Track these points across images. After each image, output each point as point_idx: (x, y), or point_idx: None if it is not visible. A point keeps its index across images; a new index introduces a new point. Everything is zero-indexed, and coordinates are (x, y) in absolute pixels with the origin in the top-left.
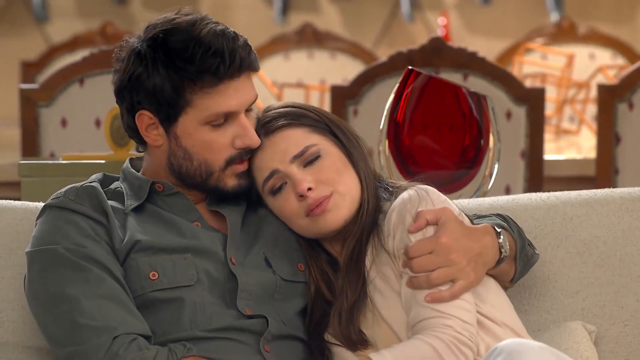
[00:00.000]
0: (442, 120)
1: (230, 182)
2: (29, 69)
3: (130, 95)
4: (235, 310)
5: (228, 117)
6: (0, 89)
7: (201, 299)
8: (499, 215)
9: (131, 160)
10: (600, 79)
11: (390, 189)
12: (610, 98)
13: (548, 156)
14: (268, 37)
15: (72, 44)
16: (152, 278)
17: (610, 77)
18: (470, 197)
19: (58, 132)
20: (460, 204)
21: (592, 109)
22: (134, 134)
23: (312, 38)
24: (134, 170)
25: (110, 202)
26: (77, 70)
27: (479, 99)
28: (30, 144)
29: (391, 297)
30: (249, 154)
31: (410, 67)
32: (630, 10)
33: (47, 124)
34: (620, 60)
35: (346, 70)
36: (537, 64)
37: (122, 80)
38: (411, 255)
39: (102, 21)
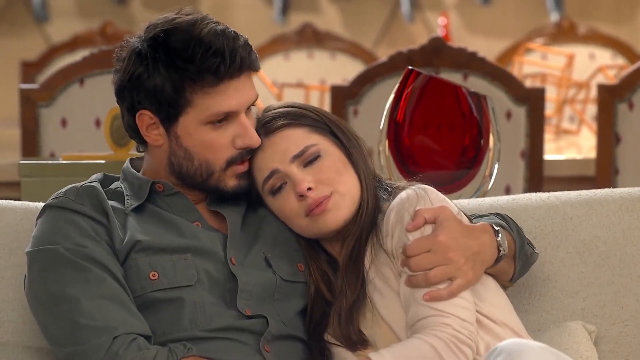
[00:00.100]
0: (442, 120)
1: (231, 182)
2: (29, 69)
3: (130, 95)
4: (235, 310)
5: (228, 116)
6: (0, 89)
7: (201, 299)
8: (498, 215)
9: (131, 160)
10: (600, 79)
11: (389, 189)
12: (610, 98)
13: (548, 156)
14: (268, 37)
15: (72, 44)
16: (152, 278)
17: (610, 77)
18: (471, 197)
19: (58, 132)
20: (460, 204)
21: (592, 109)
22: (135, 133)
23: (312, 38)
24: (134, 170)
25: (110, 202)
26: (77, 70)
27: (479, 99)
28: (31, 144)
29: (390, 296)
30: (249, 154)
31: (410, 67)
32: (630, 10)
33: (47, 124)
34: (620, 60)
35: (346, 70)
36: (537, 64)
37: (122, 80)
38: (409, 253)
39: (102, 21)
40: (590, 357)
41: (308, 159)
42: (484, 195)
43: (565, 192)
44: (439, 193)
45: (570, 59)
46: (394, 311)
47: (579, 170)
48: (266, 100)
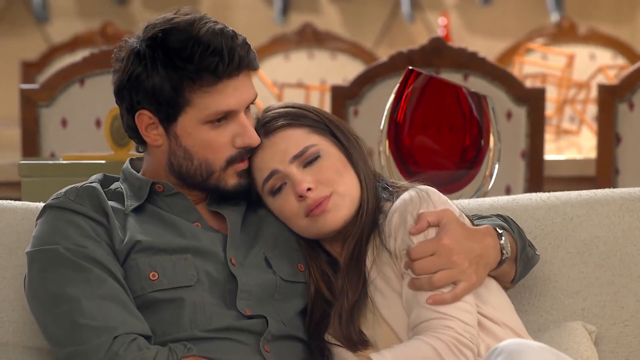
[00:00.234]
0: (442, 120)
1: (231, 180)
2: (29, 69)
3: (129, 95)
4: (235, 310)
5: (227, 116)
6: (0, 89)
7: (201, 300)
8: (499, 216)
9: (131, 160)
10: (601, 79)
11: (391, 189)
12: (610, 98)
13: (548, 156)
14: (268, 37)
15: (73, 44)
16: (152, 278)
17: (611, 77)
18: (471, 198)
19: (58, 132)
20: (461, 204)
21: (592, 109)
22: (134, 134)
23: (312, 38)
24: (134, 171)
25: (110, 203)
26: (77, 70)
27: (480, 99)
28: (31, 144)
29: (392, 297)
30: (249, 153)
31: (410, 67)
32: (630, 11)
33: (47, 124)
34: (621, 61)
35: (346, 70)
36: (537, 64)
37: (121, 80)
38: (413, 257)
39: (103, 21)
40: (590, 357)
41: (308, 160)
42: (484, 195)
43: (566, 192)
44: (441, 195)
45: (571, 59)
46: (395, 312)
47: (579, 171)
48: (266, 100)
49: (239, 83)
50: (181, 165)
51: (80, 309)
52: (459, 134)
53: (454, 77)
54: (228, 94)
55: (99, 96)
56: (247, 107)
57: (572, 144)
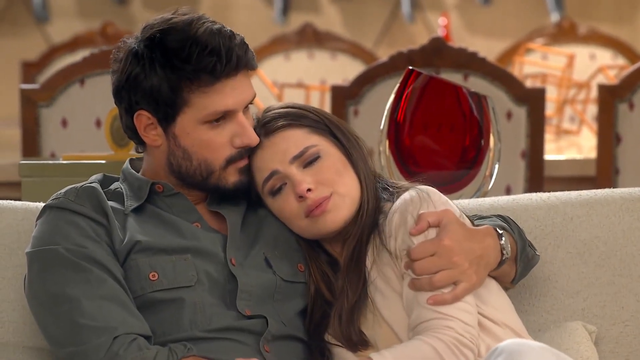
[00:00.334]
0: (442, 120)
1: (232, 178)
2: (30, 69)
3: (128, 95)
4: (235, 310)
5: (226, 115)
6: (0, 89)
7: (201, 300)
8: (499, 216)
9: (131, 160)
10: (601, 79)
11: (391, 190)
12: (610, 98)
13: (548, 156)
14: (268, 37)
15: (73, 44)
16: (152, 279)
17: (611, 77)
18: (471, 198)
19: (58, 132)
20: (461, 204)
21: (592, 109)
22: (133, 134)
23: (312, 38)
24: (133, 171)
25: (110, 203)
26: (77, 70)
27: (480, 99)
28: (31, 144)
29: (392, 297)
30: (248, 153)
31: (410, 67)
32: (630, 11)
33: (47, 124)
34: (621, 61)
35: (346, 70)
36: (537, 64)
37: (120, 80)
38: (413, 257)
39: (103, 21)
40: (590, 357)
41: (308, 160)
42: (485, 195)
43: (566, 193)
44: (441, 195)
45: (571, 59)
46: (396, 312)
47: (580, 171)
48: (266, 100)
49: (237, 83)
50: (180, 166)
51: (80, 309)
52: (459, 134)
53: (454, 77)
54: (226, 94)
55: (99, 96)
56: (246, 107)
57: (572, 144)
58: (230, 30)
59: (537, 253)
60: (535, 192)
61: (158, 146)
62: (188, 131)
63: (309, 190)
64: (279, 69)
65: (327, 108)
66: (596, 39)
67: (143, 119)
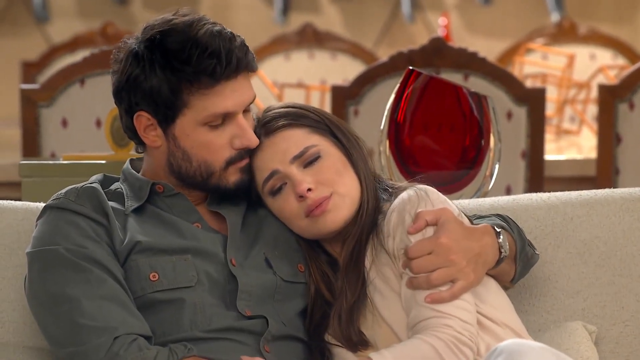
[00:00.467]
0: (442, 120)
1: (232, 177)
2: (30, 69)
3: (128, 96)
4: (235, 311)
5: (226, 117)
6: (0, 89)
7: (201, 300)
8: (498, 216)
9: (131, 160)
10: (601, 79)
11: (390, 190)
12: (610, 98)
13: (549, 156)
14: (268, 38)
15: (73, 44)
16: (152, 279)
17: (611, 78)
18: (471, 198)
19: (59, 133)
20: (461, 205)
21: (592, 109)
22: (133, 135)
23: (312, 38)
24: (134, 171)
25: (110, 203)
26: (77, 70)
27: (480, 99)
28: (31, 144)
29: (391, 297)
30: (248, 154)
31: (410, 68)
32: (630, 11)
33: (47, 124)
34: (621, 61)
35: (347, 70)
36: (537, 64)
37: (120, 81)
38: (411, 255)
39: (103, 21)
40: (590, 357)
41: (308, 160)
42: (485, 195)
43: (566, 193)
44: (440, 194)
45: (571, 59)
46: (395, 312)
47: (580, 171)
48: (267, 100)
49: (237, 85)
50: (180, 167)
51: (81, 309)
52: (459, 134)
53: (454, 77)
54: (226, 96)
55: (99, 96)
56: (246, 109)
57: (572, 144)
58: (231, 32)
59: (537, 252)
60: (536, 192)
61: (158, 147)
62: (188, 132)
63: (309, 190)
64: (279, 69)
65: (327, 108)
66: (596, 39)
67: (143, 119)
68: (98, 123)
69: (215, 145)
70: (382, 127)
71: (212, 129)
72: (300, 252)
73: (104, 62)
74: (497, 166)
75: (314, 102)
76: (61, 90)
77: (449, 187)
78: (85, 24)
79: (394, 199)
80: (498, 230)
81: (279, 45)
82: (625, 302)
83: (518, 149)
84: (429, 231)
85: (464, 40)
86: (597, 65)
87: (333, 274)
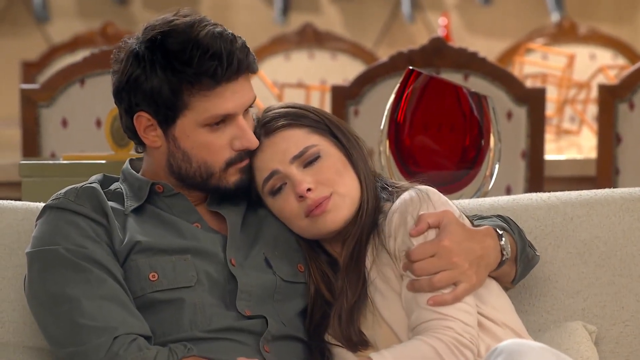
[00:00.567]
0: (442, 120)
1: (232, 178)
2: (30, 69)
3: (128, 96)
4: (235, 311)
5: (226, 119)
6: (0, 89)
7: (201, 300)
8: (499, 217)
9: (131, 160)
10: (601, 79)
11: (391, 190)
12: (610, 98)
13: (549, 156)
14: (268, 38)
15: (73, 44)
16: (152, 279)
17: (611, 78)
18: (471, 198)
19: (59, 132)
20: (461, 205)
21: (592, 109)
22: (133, 135)
23: (312, 38)
24: (134, 171)
25: (110, 203)
26: (77, 70)
27: (480, 99)
28: (31, 144)
29: (392, 297)
30: (248, 155)
31: (410, 67)
32: (630, 11)
33: (47, 124)
34: (621, 61)
35: (347, 70)
36: (537, 64)
37: (120, 81)
38: (413, 258)
39: (103, 21)
40: (590, 357)
41: (308, 160)
42: (485, 195)
43: (566, 193)
44: (441, 195)
45: (571, 59)
46: (395, 312)
47: (580, 171)
48: (267, 100)
49: (238, 87)
50: (180, 167)
51: (80, 309)
52: (460, 134)
53: (454, 77)
54: (227, 98)
55: (99, 96)
56: (246, 110)
57: (572, 144)
58: (232, 34)
59: (537, 253)
60: (536, 192)
61: (158, 147)
62: (188, 133)
63: (309, 190)
64: (279, 69)
65: (327, 108)
66: (596, 39)
67: (143, 120)
68: (98, 123)
69: (215, 146)
70: (382, 127)
71: (212, 130)
72: (300, 252)
73: (104, 62)
74: (497, 166)
75: (314, 102)
76: (61, 90)
77: (449, 187)
78: (85, 24)
79: (395, 199)
80: (500, 232)
81: (279, 45)
82: (625, 302)
83: (518, 149)
84: (431, 234)
85: (464, 40)
86: (597, 65)
87: (333, 274)
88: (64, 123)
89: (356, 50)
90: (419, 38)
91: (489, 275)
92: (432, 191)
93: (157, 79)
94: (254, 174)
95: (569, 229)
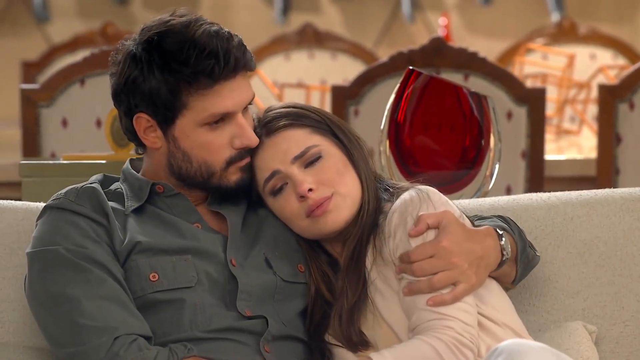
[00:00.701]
0: (442, 120)
1: (233, 177)
2: (30, 69)
3: (127, 98)
4: (235, 311)
5: (225, 117)
6: (0, 89)
7: (201, 300)
8: (499, 217)
9: (131, 160)
10: (601, 79)
11: (391, 190)
12: (611, 98)
13: (549, 156)
14: (268, 38)
15: (73, 44)
16: (152, 279)
17: (611, 77)
18: (471, 198)
19: (59, 132)
20: (461, 205)
21: (592, 109)
22: (133, 136)
23: (312, 38)
24: (134, 171)
25: (110, 203)
26: (77, 70)
27: (480, 99)
28: (31, 144)
29: (392, 298)
30: (248, 154)
31: (411, 67)
32: (631, 11)
33: (47, 124)
34: (621, 61)
35: (347, 70)
36: (537, 64)
37: (118, 83)
38: (412, 259)
39: (103, 21)
40: (590, 357)
41: (309, 160)
42: (485, 195)
43: (566, 193)
44: (441, 195)
45: (571, 59)
46: (396, 312)
47: (580, 171)
48: (267, 100)
49: (235, 85)
50: (180, 167)
51: (81, 309)
52: (460, 134)
53: (454, 77)
54: (225, 96)
55: (99, 96)
56: (245, 108)
57: (572, 144)
58: (228, 32)
59: (538, 254)
60: (536, 192)
61: (158, 148)
62: (187, 133)
63: (310, 190)
64: (279, 69)
65: (327, 108)
66: (596, 39)
67: (142, 121)
68: (98, 123)
69: (215, 145)
70: (382, 127)
71: (211, 129)
72: (300, 252)
73: (104, 62)
74: (497, 166)
75: (314, 102)
76: (61, 90)
77: (449, 187)
78: (85, 24)
79: (395, 199)
80: (500, 232)
81: (279, 45)
82: (625, 302)
83: (518, 149)
84: (430, 235)
85: (464, 40)
86: (597, 65)
87: (333, 274)
88: (64, 123)
89: (356, 50)
90: (419, 38)
91: (490, 276)
92: (433, 191)
93: (154, 80)
94: (255, 174)
95: (569, 229)
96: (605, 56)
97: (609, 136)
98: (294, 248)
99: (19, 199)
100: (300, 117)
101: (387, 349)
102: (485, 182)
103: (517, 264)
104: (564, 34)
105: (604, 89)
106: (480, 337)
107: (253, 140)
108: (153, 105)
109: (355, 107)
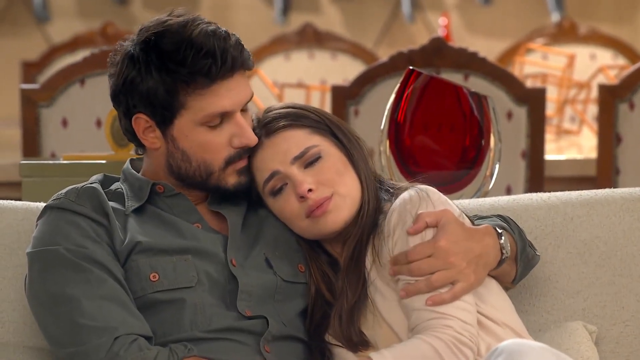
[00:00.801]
0: (442, 120)
1: (231, 179)
2: (30, 69)
3: (125, 99)
4: (235, 311)
5: (224, 117)
6: (0, 89)
7: (201, 301)
8: (499, 216)
9: (131, 160)
10: (601, 79)
11: (391, 190)
12: (611, 98)
13: (549, 156)
14: (268, 37)
15: (73, 44)
16: (152, 279)
17: (611, 77)
18: (471, 198)
19: (59, 132)
20: (461, 205)
21: (593, 109)
22: (132, 137)
23: (312, 38)
24: (134, 171)
25: (110, 203)
26: (77, 70)
27: (480, 99)
28: (31, 144)
29: (392, 298)
30: (247, 153)
31: (411, 67)
32: (631, 11)
33: (47, 124)
34: (621, 61)
35: (347, 70)
36: (537, 64)
37: (117, 84)
38: (410, 258)
39: (103, 21)
40: (591, 357)
41: (309, 160)
42: (485, 195)
43: (566, 193)
44: (441, 195)
45: (571, 59)
46: (396, 312)
47: (580, 171)
48: (267, 100)
49: (233, 84)
50: (180, 167)
51: (81, 309)
52: (460, 134)
53: (454, 77)
54: (222, 96)
55: (99, 96)
56: (244, 107)
57: (572, 144)
58: (225, 31)
59: (537, 253)
60: (536, 192)
61: (157, 148)
62: (186, 133)
63: (310, 190)
64: (279, 69)
65: (327, 108)
66: (596, 39)
67: (141, 122)
68: (98, 123)
69: (214, 144)
70: (382, 127)
71: (210, 129)
72: (300, 253)
73: (104, 62)
74: (497, 166)
75: (314, 102)
76: (61, 90)
77: (449, 187)
78: (85, 24)
79: (395, 199)
80: (499, 231)
81: (279, 45)
82: (625, 302)
83: (518, 149)
84: (429, 234)
85: (464, 40)
86: (597, 65)
87: (333, 274)
88: (64, 123)
89: (356, 50)
90: (419, 38)
91: (489, 275)
92: (432, 190)
93: (152, 80)
94: (255, 174)
95: (569, 229)
96: (605, 56)
97: (609, 136)
98: (294, 248)
99: (19, 199)
100: (299, 117)
101: (386, 348)
102: (485, 182)
103: (517, 263)
104: (564, 34)
105: (604, 89)
106: (480, 336)
107: (252, 139)
108: (151, 106)
109: (355, 107)
